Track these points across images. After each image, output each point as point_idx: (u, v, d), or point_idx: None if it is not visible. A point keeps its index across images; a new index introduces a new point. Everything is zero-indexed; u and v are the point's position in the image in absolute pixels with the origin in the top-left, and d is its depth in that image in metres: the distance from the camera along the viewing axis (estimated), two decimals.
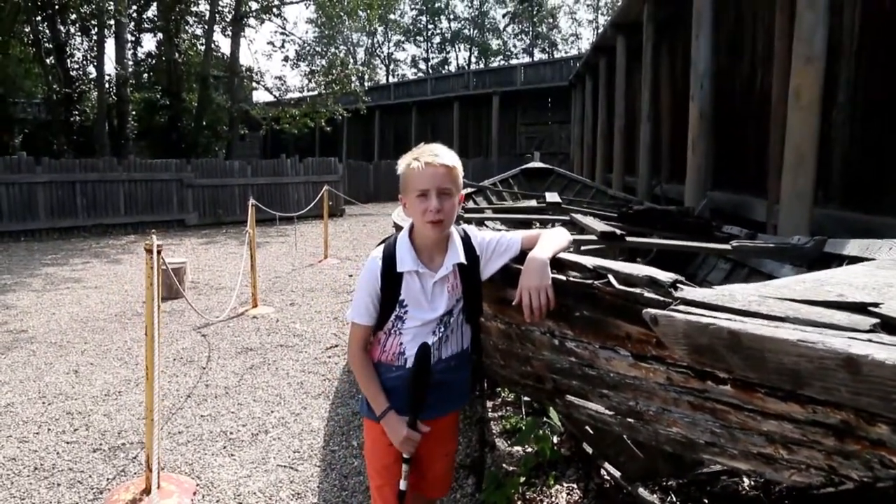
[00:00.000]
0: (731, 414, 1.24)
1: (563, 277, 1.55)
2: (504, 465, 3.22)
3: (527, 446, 3.34)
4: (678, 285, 1.23)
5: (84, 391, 4.41)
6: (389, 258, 1.86)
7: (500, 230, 4.78)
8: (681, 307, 1.14)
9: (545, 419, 3.40)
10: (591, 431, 2.56)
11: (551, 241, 1.78)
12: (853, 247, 2.91)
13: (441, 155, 1.81)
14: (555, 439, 3.33)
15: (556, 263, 1.65)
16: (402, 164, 1.84)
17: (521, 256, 1.79)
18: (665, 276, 1.26)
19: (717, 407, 1.27)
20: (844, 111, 5.49)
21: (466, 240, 1.90)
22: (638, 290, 1.28)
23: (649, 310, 1.17)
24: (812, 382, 0.89)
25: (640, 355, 1.41)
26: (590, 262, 1.49)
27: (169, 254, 10.45)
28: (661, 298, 1.21)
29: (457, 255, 1.85)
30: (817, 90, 4.74)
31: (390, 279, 1.85)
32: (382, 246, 1.93)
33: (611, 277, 1.36)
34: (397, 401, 1.87)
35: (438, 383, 1.88)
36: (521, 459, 3.19)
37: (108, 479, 3.19)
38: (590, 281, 1.42)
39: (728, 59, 8.08)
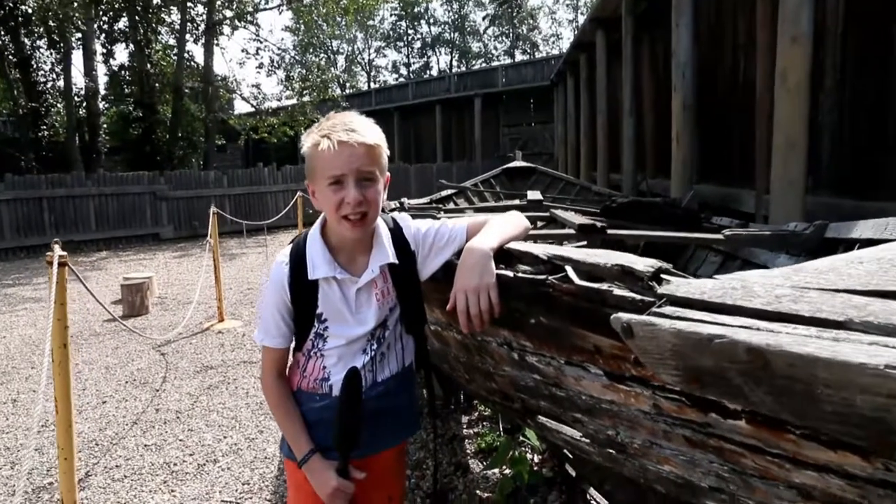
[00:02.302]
0: (747, 458, 0.86)
1: (511, 273, 1.16)
2: (478, 492, 2.84)
3: (505, 468, 2.97)
4: (663, 276, 0.83)
5: (19, 422, 3.99)
6: (298, 263, 1.45)
7: None
8: (668, 309, 0.75)
9: (522, 437, 3.03)
10: (570, 456, 2.19)
11: (498, 227, 1.38)
12: (864, 228, 2.55)
13: (359, 130, 1.37)
14: (535, 458, 2.96)
15: (503, 256, 1.26)
16: (308, 142, 1.40)
17: None
18: (644, 263, 0.86)
19: (726, 447, 0.90)
20: (832, 95, 5.17)
21: (397, 231, 1.50)
22: (605, 287, 0.88)
23: (621, 314, 0.77)
24: None
25: (616, 375, 1.03)
26: (543, 250, 1.10)
27: (139, 268, 10.03)
28: (639, 297, 0.82)
29: (385, 253, 1.46)
30: (805, 71, 4.43)
31: (301, 289, 1.44)
32: (290, 246, 1.52)
33: (569, 270, 0.96)
34: (323, 436, 1.48)
35: (376, 412, 1.50)
36: (497, 484, 2.82)
37: None
38: (543, 277, 1.03)
39: (710, 48, 7.77)
